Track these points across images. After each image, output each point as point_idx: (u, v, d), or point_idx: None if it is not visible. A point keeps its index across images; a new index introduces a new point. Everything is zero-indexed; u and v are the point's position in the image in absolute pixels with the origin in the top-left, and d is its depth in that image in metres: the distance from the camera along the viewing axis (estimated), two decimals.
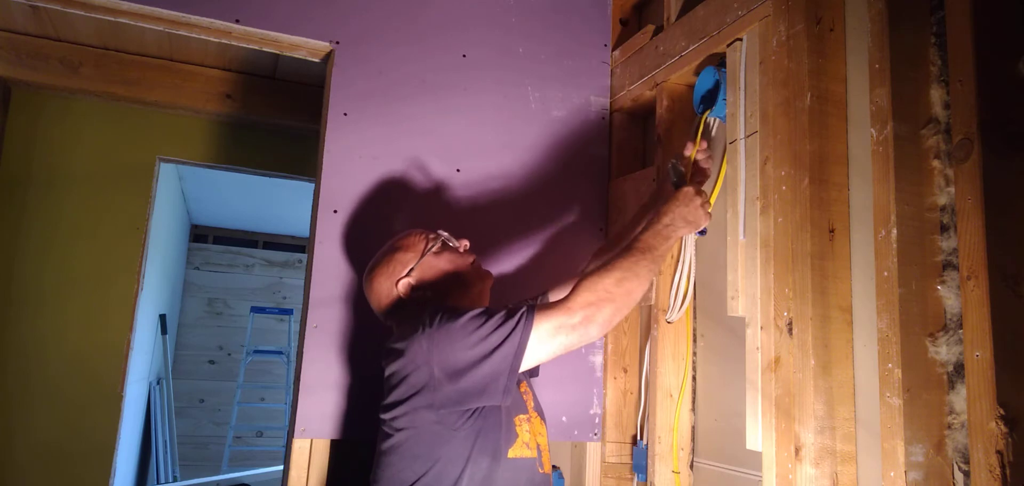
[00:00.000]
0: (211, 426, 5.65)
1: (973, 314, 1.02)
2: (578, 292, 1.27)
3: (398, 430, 1.30)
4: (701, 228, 1.46)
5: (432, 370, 1.24)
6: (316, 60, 1.93)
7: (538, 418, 1.47)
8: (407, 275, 1.43)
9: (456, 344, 1.23)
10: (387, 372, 1.33)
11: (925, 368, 1.11)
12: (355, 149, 1.81)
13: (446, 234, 1.49)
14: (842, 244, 1.31)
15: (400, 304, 1.43)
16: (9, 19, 2.64)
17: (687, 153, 1.56)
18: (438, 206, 1.86)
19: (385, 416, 1.32)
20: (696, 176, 1.59)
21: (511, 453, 1.33)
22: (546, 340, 1.25)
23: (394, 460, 1.29)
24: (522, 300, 1.76)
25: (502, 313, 1.26)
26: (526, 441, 1.37)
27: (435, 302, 1.41)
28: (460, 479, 1.26)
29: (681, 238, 1.74)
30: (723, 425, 1.61)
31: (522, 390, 1.46)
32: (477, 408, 1.27)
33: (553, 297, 1.70)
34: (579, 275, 1.32)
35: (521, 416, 1.39)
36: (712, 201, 1.69)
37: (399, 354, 1.30)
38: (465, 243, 1.50)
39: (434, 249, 1.45)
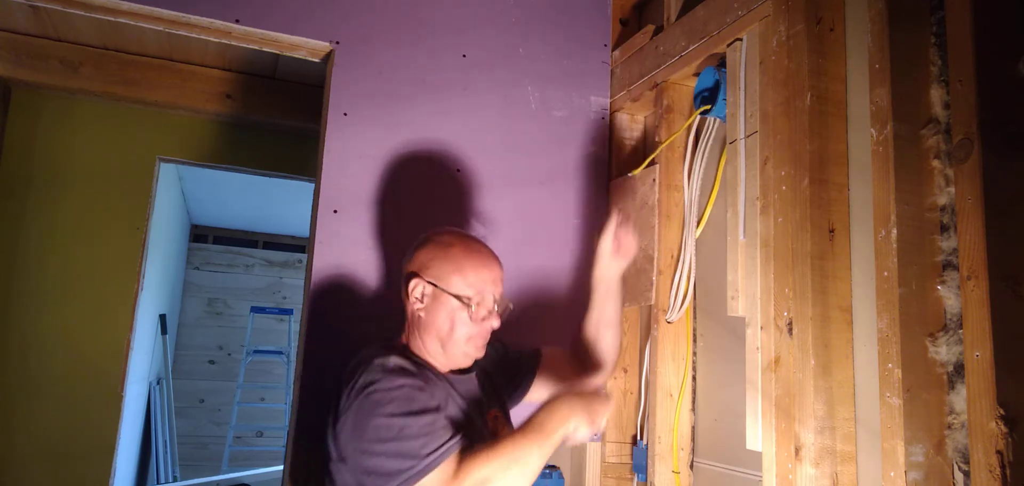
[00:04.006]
0: (211, 426, 5.65)
1: (973, 314, 1.02)
2: (472, 465, 1.22)
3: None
4: (597, 432, 1.33)
5: (341, 449, 1.28)
6: (316, 60, 1.93)
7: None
8: (426, 287, 1.39)
9: (363, 440, 1.24)
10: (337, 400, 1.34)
11: (925, 368, 1.11)
12: (355, 149, 1.81)
13: (491, 305, 1.40)
14: (842, 244, 1.31)
15: (404, 282, 1.44)
16: (9, 19, 2.64)
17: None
18: (438, 206, 1.86)
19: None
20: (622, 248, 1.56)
21: None
22: None
23: None
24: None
25: (418, 432, 1.21)
26: None
27: (414, 324, 1.41)
28: None
29: (682, 237, 1.74)
30: (723, 425, 1.61)
31: (493, 415, 1.45)
32: None
33: (548, 354, 1.66)
34: (477, 449, 1.26)
35: None
36: (711, 200, 1.70)
37: (337, 401, 1.32)
38: (493, 324, 1.41)
39: (468, 305, 1.37)
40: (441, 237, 1.45)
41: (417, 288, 1.40)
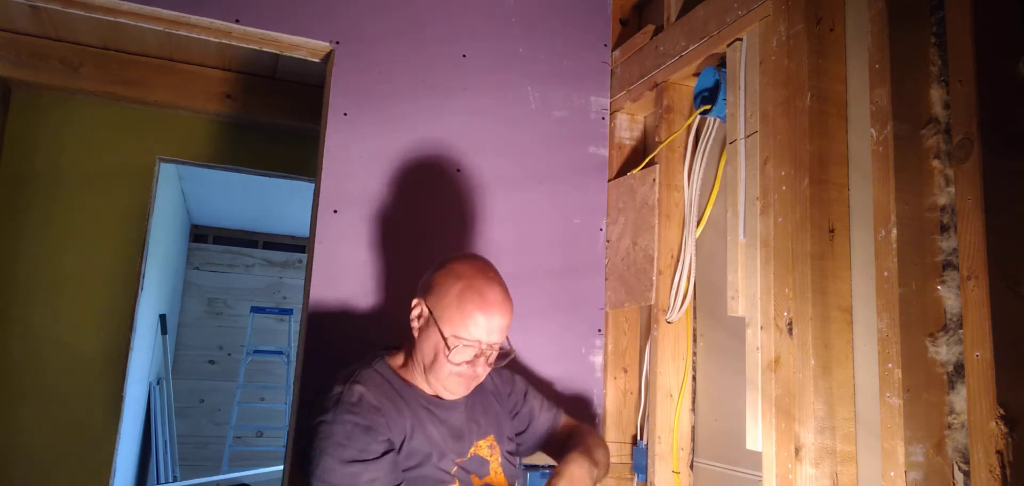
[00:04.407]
0: (211, 426, 5.65)
1: (973, 314, 1.02)
2: None
3: None
4: None
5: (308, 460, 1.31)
6: (316, 60, 1.93)
7: (500, 474, 1.44)
8: (424, 310, 1.37)
9: (303, 465, 1.28)
10: None
11: (925, 368, 1.11)
12: (355, 149, 1.81)
13: (480, 350, 1.34)
14: (842, 244, 1.31)
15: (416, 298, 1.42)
16: (9, 19, 2.64)
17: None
18: (438, 206, 1.86)
19: None
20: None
21: None
22: None
23: None
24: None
25: (338, 481, 1.23)
26: None
27: (413, 340, 1.40)
28: None
29: (682, 237, 1.75)
30: (723, 425, 1.61)
31: (488, 443, 1.44)
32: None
33: (560, 430, 1.62)
34: None
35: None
36: (711, 200, 1.70)
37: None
38: (478, 371, 1.36)
39: (447, 346, 1.33)
40: (457, 265, 1.38)
41: (416, 308, 1.39)
